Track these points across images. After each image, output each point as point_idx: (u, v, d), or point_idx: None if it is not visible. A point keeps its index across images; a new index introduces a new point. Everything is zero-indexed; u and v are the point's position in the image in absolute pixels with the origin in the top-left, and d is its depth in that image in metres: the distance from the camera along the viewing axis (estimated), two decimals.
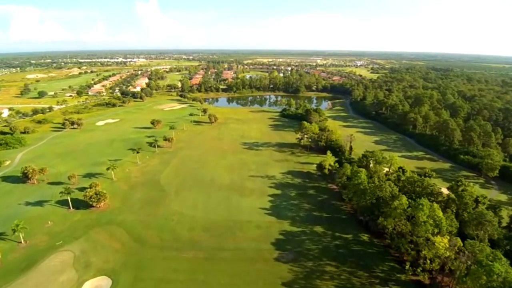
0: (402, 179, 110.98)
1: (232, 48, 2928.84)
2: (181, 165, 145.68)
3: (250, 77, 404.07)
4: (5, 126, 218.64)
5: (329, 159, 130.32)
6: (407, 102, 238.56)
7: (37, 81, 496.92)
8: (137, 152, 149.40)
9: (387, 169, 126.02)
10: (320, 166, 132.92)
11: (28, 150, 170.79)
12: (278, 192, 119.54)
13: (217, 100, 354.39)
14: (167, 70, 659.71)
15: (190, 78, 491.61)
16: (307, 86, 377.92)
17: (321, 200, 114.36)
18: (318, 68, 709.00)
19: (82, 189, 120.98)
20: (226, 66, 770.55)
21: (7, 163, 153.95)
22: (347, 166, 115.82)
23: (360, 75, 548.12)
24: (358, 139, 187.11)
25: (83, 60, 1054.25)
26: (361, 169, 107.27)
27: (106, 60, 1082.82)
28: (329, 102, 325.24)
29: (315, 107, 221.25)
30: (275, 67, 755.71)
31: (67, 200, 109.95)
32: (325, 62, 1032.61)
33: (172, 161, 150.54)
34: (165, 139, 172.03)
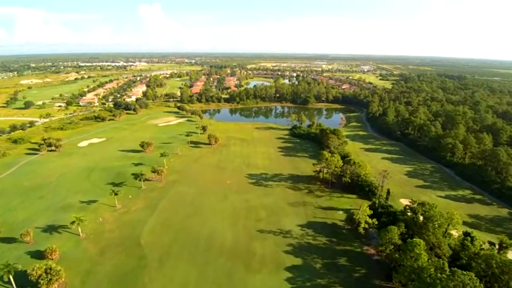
0: (471, 251, 79.54)
1: (235, 51, 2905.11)
2: (170, 211, 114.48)
3: (255, 86, 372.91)
4: None
5: (364, 211, 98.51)
6: (438, 121, 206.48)
7: (29, 87, 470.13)
8: (116, 194, 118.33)
9: (454, 232, 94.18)
10: (351, 220, 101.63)
11: None
12: (298, 261, 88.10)
13: (218, 111, 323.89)
14: (167, 75, 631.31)
15: (191, 86, 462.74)
16: (317, 97, 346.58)
17: (359, 279, 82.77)
18: (324, 75, 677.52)
19: (36, 254, 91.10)
20: (229, 71, 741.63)
21: None
22: (393, 231, 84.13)
23: (371, 83, 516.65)
24: (385, 168, 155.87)
25: (83, 64, 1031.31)
26: (418, 241, 75.61)
27: (106, 64, 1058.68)
28: (343, 116, 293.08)
29: (333, 128, 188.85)
30: (279, 73, 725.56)
31: (10, 279, 79.23)
32: (330, 67, 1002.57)
33: (160, 204, 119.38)
34: (154, 171, 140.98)
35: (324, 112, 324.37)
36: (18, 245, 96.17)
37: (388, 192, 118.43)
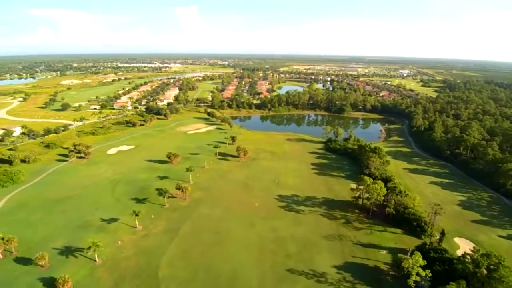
0: None
1: (268, 52, 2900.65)
2: (192, 238, 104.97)
3: (287, 92, 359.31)
4: (10, 149, 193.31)
5: (416, 261, 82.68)
6: (495, 141, 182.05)
7: (69, 88, 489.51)
8: (136, 215, 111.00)
9: None
10: (398, 266, 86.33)
11: (16, 193, 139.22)
12: None
13: (249, 118, 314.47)
14: (200, 78, 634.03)
15: (222, 90, 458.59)
16: (353, 105, 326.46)
17: None
18: (361, 79, 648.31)
19: (48, 282, 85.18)
20: (261, 74, 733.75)
21: None
22: None
23: (412, 90, 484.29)
24: (434, 196, 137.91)
25: (122, 65, 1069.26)
26: None
27: (143, 65, 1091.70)
28: (382, 128, 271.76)
29: (373, 146, 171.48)
30: (313, 77, 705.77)
31: None
32: (366, 71, 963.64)
33: (181, 229, 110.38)
34: (178, 188, 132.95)
35: (361, 122, 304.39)
36: (32, 269, 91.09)
37: (443, 233, 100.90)
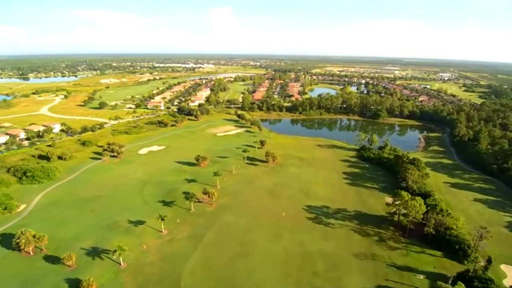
0: None
1: (300, 53, 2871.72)
2: (216, 247, 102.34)
3: (319, 95, 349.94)
4: (49, 145, 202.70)
5: None
6: None
7: (107, 87, 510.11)
8: (162, 220, 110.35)
9: None
10: None
11: (51, 189, 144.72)
12: None
13: (279, 121, 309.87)
14: (231, 79, 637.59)
15: (253, 91, 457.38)
16: (389, 110, 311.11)
17: None
18: (397, 83, 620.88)
19: (74, 284, 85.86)
20: (293, 76, 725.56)
21: (21, 208, 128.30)
22: None
23: (454, 95, 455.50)
24: (478, 215, 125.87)
25: (157, 65, 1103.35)
26: None
27: (178, 65, 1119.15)
28: (421, 136, 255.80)
29: (411, 157, 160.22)
30: (346, 79, 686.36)
31: None
32: (404, 73, 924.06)
33: (206, 236, 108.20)
34: (205, 192, 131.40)
35: (397, 129, 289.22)
36: (59, 268, 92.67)
37: (490, 260, 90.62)
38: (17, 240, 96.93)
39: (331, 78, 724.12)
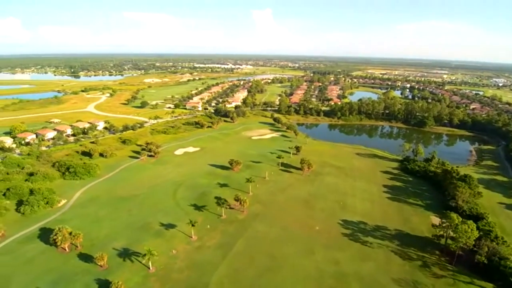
0: None
1: (341, 55, 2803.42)
2: (245, 259, 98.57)
3: (360, 100, 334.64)
4: (92, 142, 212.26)
5: None
6: None
7: (150, 86, 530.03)
8: (193, 225, 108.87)
9: None
10: None
11: (90, 186, 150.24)
12: None
13: (316, 125, 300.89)
14: (269, 81, 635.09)
15: (291, 94, 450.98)
16: (437, 118, 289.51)
17: None
18: (446, 88, 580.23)
19: (104, 285, 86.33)
20: (332, 78, 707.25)
21: (61, 203, 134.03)
22: None
23: (510, 104, 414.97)
24: None
25: (197, 65, 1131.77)
26: None
27: (217, 65, 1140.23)
28: (472, 149, 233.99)
29: (462, 173, 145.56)
30: (389, 83, 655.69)
31: None
32: (453, 77, 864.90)
33: (235, 246, 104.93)
34: (236, 199, 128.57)
35: (445, 138, 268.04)
36: (91, 268, 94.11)
37: None
38: (54, 237, 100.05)
39: (372, 81, 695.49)
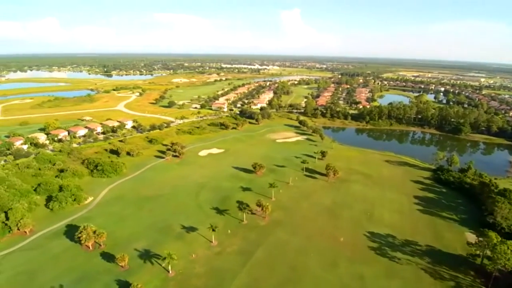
0: None
1: (371, 56, 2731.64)
2: (265, 268, 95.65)
3: (390, 104, 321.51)
4: (120, 140, 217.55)
5: None
6: None
7: (177, 86, 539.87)
8: (213, 230, 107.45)
9: None
10: None
11: (116, 185, 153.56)
12: None
13: (343, 129, 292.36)
14: (296, 82, 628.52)
15: (317, 96, 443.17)
16: (473, 125, 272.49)
17: None
18: (484, 92, 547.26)
19: (124, 285, 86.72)
20: (361, 80, 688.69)
21: (88, 200, 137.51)
22: None
23: None
24: None
25: (224, 66, 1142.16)
26: None
27: (244, 66, 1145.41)
28: None
29: (502, 188, 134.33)
30: (422, 86, 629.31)
31: None
32: (491, 81, 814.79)
33: (255, 254, 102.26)
34: (259, 205, 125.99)
35: (482, 147, 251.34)
36: (113, 268, 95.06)
37: None
38: (79, 235, 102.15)
39: (404, 84, 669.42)
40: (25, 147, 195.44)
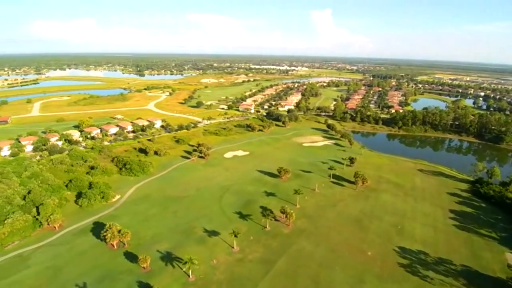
0: None
1: (404, 57, 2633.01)
2: (287, 281, 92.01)
3: (426, 109, 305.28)
4: (149, 140, 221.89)
5: None
6: None
7: (206, 87, 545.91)
8: (235, 236, 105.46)
9: None
10: None
11: (143, 184, 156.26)
12: None
13: (373, 134, 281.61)
14: (325, 84, 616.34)
15: (347, 99, 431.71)
16: None
17: None
18: None
19: (145, 287, 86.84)
20: (393, 83, 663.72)
21: (115, 198, 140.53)
22: None
23: None
24: None
25: (253, 66, 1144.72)
26: None
27: (272, 67, 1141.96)
28: None
29: None
30: (460, 90, 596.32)
31: None
32: None
33: (277, 264, 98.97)
34: (282, 211, 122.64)
35: None
36: (135, 268, 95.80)
37: None
38: (104, 233, 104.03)
39: (440, 87, 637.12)
40: (59, 143, 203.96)
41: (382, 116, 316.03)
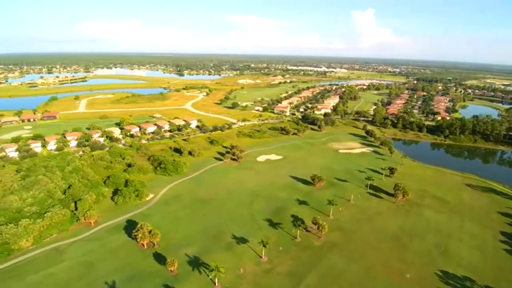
0: None
1: (452, 59, 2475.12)
2: None
3: (476, 117, 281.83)
4: (184, 139, 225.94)
5: None
6: None
7: (242, 87, 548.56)
8: (264, 246, 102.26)
9: None
10: None
11: (175, 184, 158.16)
12: None
13: (416, 143, 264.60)
14: (364, 87, 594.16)
15: (388, 103, 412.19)
16: None
17: None
18: None
19: None
20: (440, 87, 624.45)
21: (149, 197, 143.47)
22: None
23: None
24: None
25: (290, 67, 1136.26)
26: None
27: (310, 68, 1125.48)
28: None
29: None
30: None
31: None
32: None
33: (307, 278, 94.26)
34: (314, 222, 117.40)
35: None
36: (162, 270, 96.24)
37: None
38: (136, 233, 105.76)
39: (492, 93, 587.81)
40: (101, 139, 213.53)
41: (427, 123, 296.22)
